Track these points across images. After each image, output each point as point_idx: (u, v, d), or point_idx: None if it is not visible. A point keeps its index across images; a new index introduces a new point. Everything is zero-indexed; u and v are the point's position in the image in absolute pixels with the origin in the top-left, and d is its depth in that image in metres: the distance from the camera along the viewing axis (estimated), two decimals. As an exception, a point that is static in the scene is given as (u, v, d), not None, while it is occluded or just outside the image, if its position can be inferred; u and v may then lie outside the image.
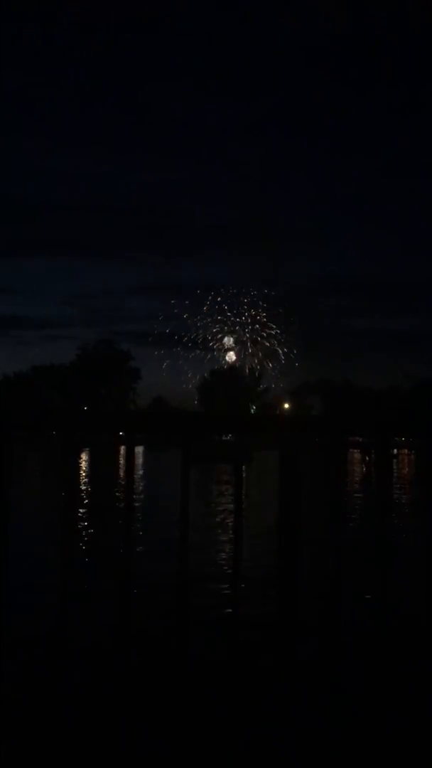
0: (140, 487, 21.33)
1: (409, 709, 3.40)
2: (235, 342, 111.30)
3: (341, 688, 2.69)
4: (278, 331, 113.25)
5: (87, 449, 48.54)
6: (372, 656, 2.72)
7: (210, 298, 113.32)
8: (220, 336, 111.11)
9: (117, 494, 19.00)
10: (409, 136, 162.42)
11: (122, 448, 42.01)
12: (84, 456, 42.02)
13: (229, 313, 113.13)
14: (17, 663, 3.41)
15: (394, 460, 47.62)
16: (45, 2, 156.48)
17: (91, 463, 38.03)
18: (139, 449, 38.76)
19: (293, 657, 2.36)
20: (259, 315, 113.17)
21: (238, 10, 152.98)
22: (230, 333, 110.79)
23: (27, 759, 3.30)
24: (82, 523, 13.29)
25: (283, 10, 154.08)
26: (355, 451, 58.38)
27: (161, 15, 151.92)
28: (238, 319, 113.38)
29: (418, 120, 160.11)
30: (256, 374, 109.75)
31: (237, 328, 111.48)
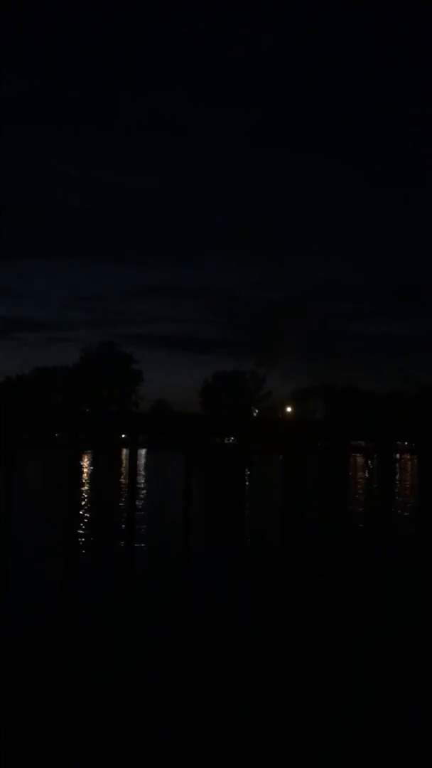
0: (141, 493, 21.35)
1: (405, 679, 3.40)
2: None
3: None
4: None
5: (89, 452, 48.55)
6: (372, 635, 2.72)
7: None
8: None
9: (119, 492, 19.02)
10: (412, 140, 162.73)
11: (124, 451, 42.00)
12: (86, 459, 42.03)
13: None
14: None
15: (396, 465, 47.57)
16: (48, 5, 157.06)
17: (93, 466, 38.05)
18: (140, 452, 38.70)
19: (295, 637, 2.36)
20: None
21: (239, 15, 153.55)
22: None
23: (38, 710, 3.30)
24: (84, 520, 13.31)
25: (284, 14, 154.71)
26: (358, 455, 58.34)
27: (164, 19, 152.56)
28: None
29: (420, 124, 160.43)
30: (259, 378, 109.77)
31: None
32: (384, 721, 3.33)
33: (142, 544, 10.30)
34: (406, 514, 16.59)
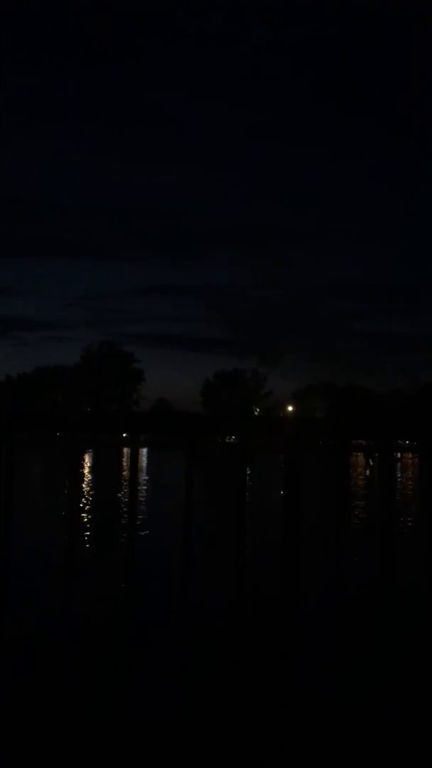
0: (142, 491, 21.36)
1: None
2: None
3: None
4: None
5: (90, 451, 48.55)
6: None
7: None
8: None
9: (121, 489, 19.04)
10: (414, 139, 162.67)
11: (125, 450, 41.98)
12: (87, 458, 42.04)
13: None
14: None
15: (398, 464, 47.51)
16: (48, 4, 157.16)
17: (94, 465, 38.05)
18: (141, 451, 38.70)
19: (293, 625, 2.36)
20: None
21: (242, 15, 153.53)
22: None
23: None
24: (86, 516, 13.33)
25: (286, 15, 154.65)
26: (359, 454, 58.33)
27: (166, 19, 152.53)
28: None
29: (421, 124, 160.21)
30: (261, 377, 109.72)
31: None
32: (384, 721, 3.32)
33: (143, 541, 10.31)
34: (406, 512, 16.60)
